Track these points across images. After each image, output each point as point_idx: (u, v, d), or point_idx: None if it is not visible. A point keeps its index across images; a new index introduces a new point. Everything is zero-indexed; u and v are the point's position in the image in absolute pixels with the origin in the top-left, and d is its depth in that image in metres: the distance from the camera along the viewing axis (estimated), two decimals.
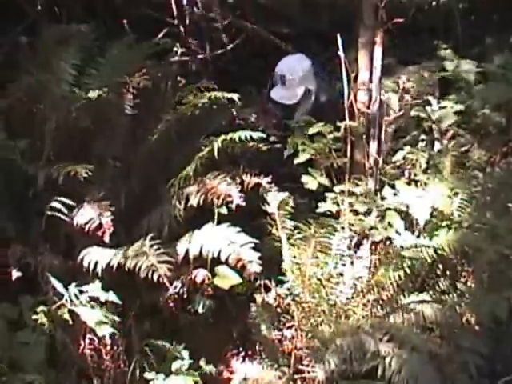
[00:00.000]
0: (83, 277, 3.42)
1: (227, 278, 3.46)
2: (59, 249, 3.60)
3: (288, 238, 3.62)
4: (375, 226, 3.64)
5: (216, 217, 3.52)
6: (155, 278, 3.17)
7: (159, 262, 3.21)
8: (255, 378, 3.62)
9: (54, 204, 3.46)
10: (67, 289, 3.34)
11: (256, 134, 3.64)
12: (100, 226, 3.36)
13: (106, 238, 3.33)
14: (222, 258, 3.31)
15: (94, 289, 3.36)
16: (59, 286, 3.33)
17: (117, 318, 3.37)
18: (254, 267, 3.25)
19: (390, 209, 3.69)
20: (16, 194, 3.66)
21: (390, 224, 3.64)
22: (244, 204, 3.46)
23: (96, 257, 3.32)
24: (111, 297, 3.36)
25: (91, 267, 3.30)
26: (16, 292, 3.46)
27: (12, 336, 3.27)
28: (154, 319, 3.75)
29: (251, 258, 3.26)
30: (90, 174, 3.43)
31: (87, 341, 3.45)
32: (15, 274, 3.40)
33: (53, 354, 3.36)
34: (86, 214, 3.44)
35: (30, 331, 3.27)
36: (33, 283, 3.48)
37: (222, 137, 3.63)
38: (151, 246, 3.29)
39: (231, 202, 3.47)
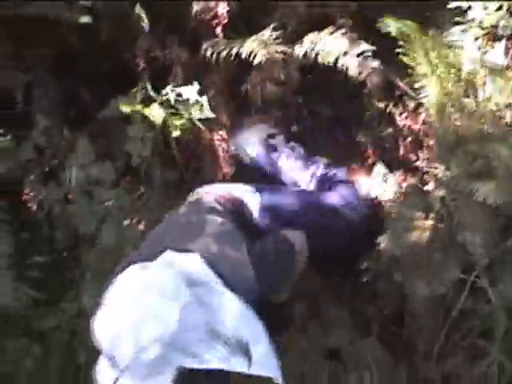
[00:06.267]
0: (207, 69, 3.50)
1: None
2: (186, 42, 3.62)
3: None
4: (508, 22, 3.38)
5: None
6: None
7: (276, 51, 3.17)
8: None
9: None
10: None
11: None
12: (216, 15, 3.34)
13: (219, 29, 3.32)
14: (339, 67, 3.21)
15: (189, 91, 3.43)
16: (149, 87, 3.44)
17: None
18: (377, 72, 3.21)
19: None
20: None
21: None
22: None
23: (217, 48, 3.33)
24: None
25: (213, 59, 3.34)
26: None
27: (123, 131, 3.45)
28: None
29: (373, 65, 3.18)
30: None
31: None
32: (141, 65, 3.52)
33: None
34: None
35: (140, 126, 3.43)
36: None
37: None
38: (271, 36, 3.25)
39: None
